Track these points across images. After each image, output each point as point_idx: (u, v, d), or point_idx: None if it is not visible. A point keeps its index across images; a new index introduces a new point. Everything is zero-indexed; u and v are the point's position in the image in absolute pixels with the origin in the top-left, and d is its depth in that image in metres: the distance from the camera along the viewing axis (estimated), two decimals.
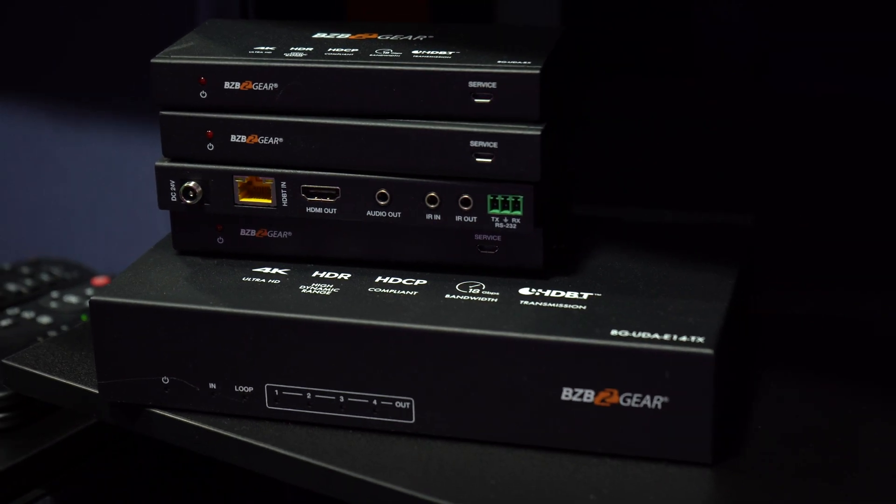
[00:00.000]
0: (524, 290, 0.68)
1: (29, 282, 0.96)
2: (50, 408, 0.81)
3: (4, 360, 0.75)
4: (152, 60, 0.70)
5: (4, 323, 0.88)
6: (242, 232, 0.71)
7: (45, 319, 0.89)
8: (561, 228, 0.73)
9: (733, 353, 0.68)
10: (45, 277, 0.97)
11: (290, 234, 0.71)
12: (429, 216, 0.68)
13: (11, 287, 0.94)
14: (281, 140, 0.69)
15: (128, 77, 1.00)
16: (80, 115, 1.04)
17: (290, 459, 0.65)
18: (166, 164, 0.71)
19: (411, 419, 0.66)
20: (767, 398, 0.69)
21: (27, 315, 0.89)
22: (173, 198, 0.71)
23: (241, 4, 0.86)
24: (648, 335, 0.63)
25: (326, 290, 0.68)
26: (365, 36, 0.72)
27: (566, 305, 0.66)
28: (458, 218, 0.68)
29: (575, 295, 0.67)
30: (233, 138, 0.70)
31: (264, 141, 0.69)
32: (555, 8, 0.92)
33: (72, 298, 0.92)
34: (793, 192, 0.83)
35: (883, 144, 0.81)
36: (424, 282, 0.69)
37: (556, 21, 0.92)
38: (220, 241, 0.72)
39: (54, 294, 0.93)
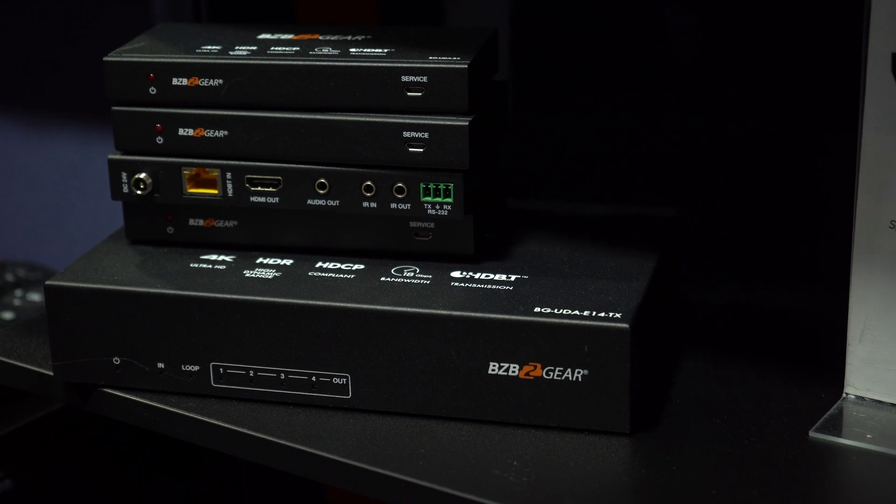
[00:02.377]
0: (455, 273, 0.72)
1: None
2: (8, 397, 0.85)
3: None
4: (105, 59, 0.74)
5: None
6: (191, 221, 0.75)
7: (7, 315, 0.93)
8: (493, 218, 0.77)
9: (653, 333, 0.72)
10: (9, 278, 1.00)
11: (235, 222, 0.75)
12: (365, 204, 0.72)
13: None
14: (226, 133, 0.73)
15: (91, 86, 1.04)
16: (46, 123, 1.08)
17: (233, 433, 0.69)
18: (118, 157, 0.75)
19: (348, 394, 0.70)
20: (685, 376, 0.73)
21: None
22: (125, 189, 0.75)
23: (194, 11, 0.89)
24: (569, 311, 0.67)
25: (269, 274, 0.72)
26: (307, 36, 0.76)
27: (494, 287, 0.70)
28: (393, 205, 0.72)
29: (503, 277, 0.71)
30: (181, 132, 0.73)
31: (210, 134, 0.73)
32: (504, 13, 0.95)
33: (34, 297, 0.96)
34: (715, 191, 0.87)
35: (799, 147, 0.85)
36: (362, 266, 0.73)
37: (507, 25, 0.96)
38: (170, 230, 0.76)
39: (18, 293, 0.97)
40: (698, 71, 0.88)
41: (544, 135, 0.92)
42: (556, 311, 0.67)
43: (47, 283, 0.72)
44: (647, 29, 0.91)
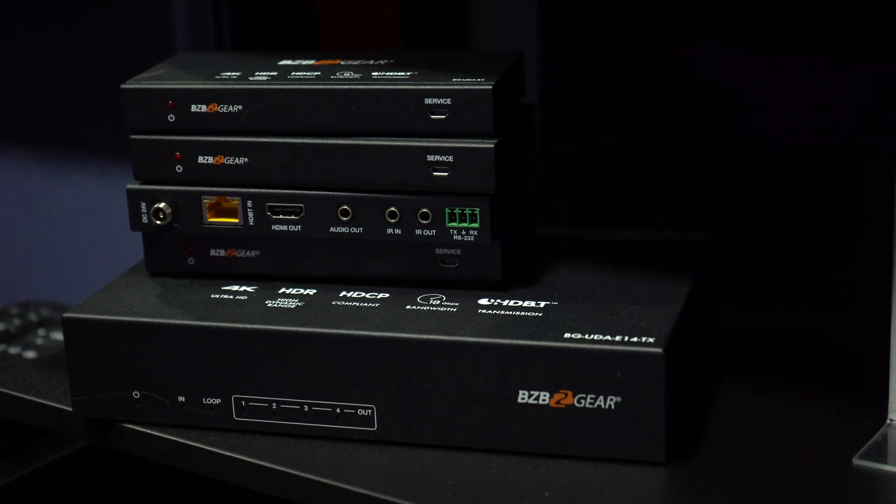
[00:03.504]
0: (483, 301, 0.70)
1: (17, 321, 0.98)
2: (28, 438, 0.83)
3: None
4: (122, 86, 0.72)
5: None
6: (212, 252, 0.74)
7: (30, 354, 0.91)
8: (521, 245, 0.75)
9: (688, 358, 0.70)
10: (32, 317, 0.99)
11: (257, 252, 0.73)
12: (390, 230, 0.70)
13: (0, 325, 0.97)
14: (246, 160, 0.71)
15: (113, 120, 1.03)
16: (67, 158, 1.07)
17: (256, 467, 0.67)
18: (137, 186, 0.73)
19: (373, 426, 0.67)
20: (722, 403, 0.70)
21: (13, 351, 0.91)
22: (144, 219, 0.73)
23: (217, 40, 0.88)
24: (601, 337, 0.65)
25: (292, 304, 0.70)
26: (329, 62, 0.74)
27: (523, 313, 0.68)
28: (418, 231, 0.70)
29: (532, 304, 0.69)
30: (200, 159, 0.72)
31: (230, 161, 0.72)
32: (532, 39, 0.94)
33: (57, 336, 0.94)
34: (749, 216, 0.85)
35: (834, 167, 0.83)
36: (387, 295, 0.71)
37: (535, 54, 0.94)
38: (191, 261, 0.74)
39: (41, 332, 0.95)
40: (729, 95, 0.87)
41: (572, 161, 0.90)
42: (587, 336, 0.65)
43: (65, 315, 0.70)
44: (677, 55, 0.89)
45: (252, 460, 0.67)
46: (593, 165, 0.90)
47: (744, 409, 0.70)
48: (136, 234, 0.75)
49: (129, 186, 0.73)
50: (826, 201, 0.84)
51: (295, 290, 0.72)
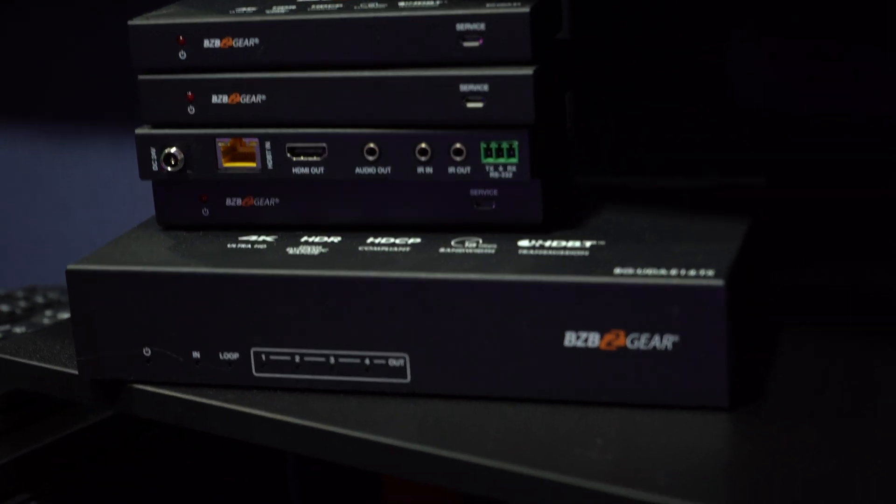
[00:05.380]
0: (523, 242, 0.64)
1: (23, 304, 0.92)
2: (36, 413, 0.78)
3: None
4: (129, 23, 0.67)
5: None
6: (228, 202, 0.68)
7: None
8: (561, 186, 0.69)
9: (748, 300, 0.64)
10: (39, 300, 0.93)
11: (277, 200, 0.67)
12: (420, 170, 0.65)
13: (4, 307, 0.91)
14: (264, 98, 0.66)
15: (123, 97, 0.98)
16: (76, 138, 1.02)
17: (279, 423, 0.61)
18: (146, 131, 0.68)
19: (406, 377, 0.62)
20: (783, 353, 0.64)
21: (18, 330, 0.86)
22: (154, 166, 0.68)
23: None
24: (655, 271, 0.59)
25: (315, 250, 0.65)
26: None
27: (567, 253, 0.62)
28: (452, 169, 0.64)
29: (577, 244, 0.63)
30: (214, 99, 0.67)
31: (246, 100, 0.66)
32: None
33: (65, 315, 0.89)
34: (803, 163, 0.80)
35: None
36: (418, 240, 0.65)
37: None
38: (205, 212, 0.68)
39: (48, 313, 0.90)
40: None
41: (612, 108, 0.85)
42: (639, 271, 0.59)
43: (69, 267, 0.65)
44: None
45: (275, 416, 0.61)
46: (636, 113, 0.84)
47: (805, 356, 0.64)
48: (148, 215, 0.70)
49: (138, 131, 0.68)
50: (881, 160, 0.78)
51: (318, 237, 0.66)
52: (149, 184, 0.69)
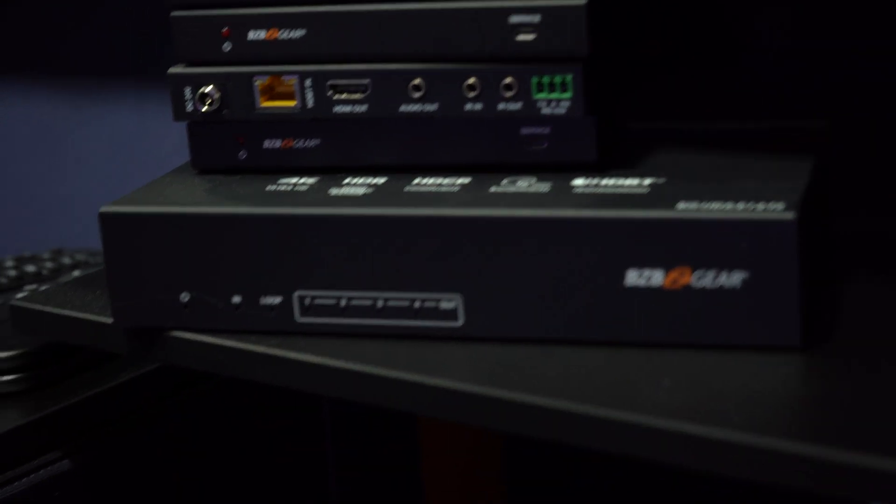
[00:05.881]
0: (578, 181, 0.61)
1: (49, 264, 0.90)
2: (66, 371, 0.75)
3: (14, 301, 0.68)
4: None
5: (20, 296, 0.81)
6: (266, 143, 0.65)
7: None
8: (616, 125, 0.66)
9: (815, 239, 0.61)
10: (66, 261, 0.91)
11: (317, 141, 0.65)
12: (469, 106, 0.62)
13: (31, 268, 0.88)
14: (303, 32, 0.63)
15: (143, 49, 0.95)
16: (97, 93, 0.99)
17: (324, 369, 0.58)
18: (180, 70, 0.65)
19: (458, 320, 0.59)
20: (847, 296, 0.61)
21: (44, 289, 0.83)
22: (189, 107, 0.65)
23: None
24: (721, 205, 0.56)
25: (359, 191, 0.62)
26: None
27: (626, 190, 0.59)
28: (502, 106, 0.61)
29: (636, 182, 0.60)
30: (251, 35, 0.64)
31: (285, 35, 0.63)
32: None
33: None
34: (867, 103, 0.76)
35: None
36: (467, 180, 0.62)
37: None
38: (242, 155, 0.66)
39: (76, 273, 0.87)
40: None
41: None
42: (704, 205, 0.56)
43: (103, 209, 0.62)
44: None
45: (320, 360, 0.58)
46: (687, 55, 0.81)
47: (869, 303, 0.61)
48: (173, 117, 0.67)
49: (172, 70, 0.65)
50: None
51: (361, 179, 0.63)
52: (175, 138, 0.66)
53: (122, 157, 0.99)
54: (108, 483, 0.74)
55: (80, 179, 1.02)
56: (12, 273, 0.87)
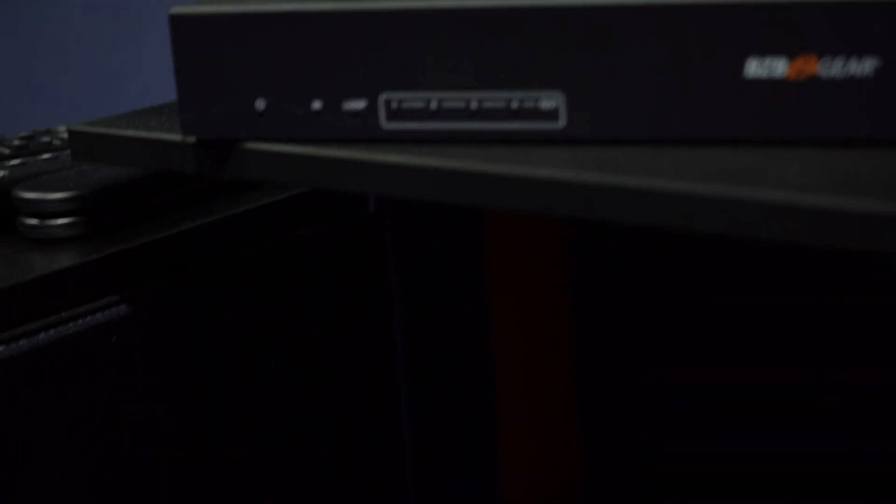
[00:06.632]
0: None
1: (65, 135, 0.85)
2: (125, 218, 0.71)
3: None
4: None
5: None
6: None
7: None
8: None
9: None
10: None
11: None
12: None
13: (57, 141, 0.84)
14: None
15: None
16: None
17: (416, 170, 0.53)
18: None
19: (560, 121, 0.54)
20: None
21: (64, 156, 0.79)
22: None
23: None
24: None
25: None
26: None
27: None
28: None
29: None
30: None
31: None
32: None
33: None
34: None
35: None
36: None
37: None
38: None
39: None
40: None
41: None
42: None
43: (173, 11, 0.58)
44: None
45: (414, 161, 0.53)
46: None
47: None
48: None
49: None
50: None
51: None
52: None
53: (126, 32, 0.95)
54: (166, 331, 0.69)
55: (86, 57, 0.96)
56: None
